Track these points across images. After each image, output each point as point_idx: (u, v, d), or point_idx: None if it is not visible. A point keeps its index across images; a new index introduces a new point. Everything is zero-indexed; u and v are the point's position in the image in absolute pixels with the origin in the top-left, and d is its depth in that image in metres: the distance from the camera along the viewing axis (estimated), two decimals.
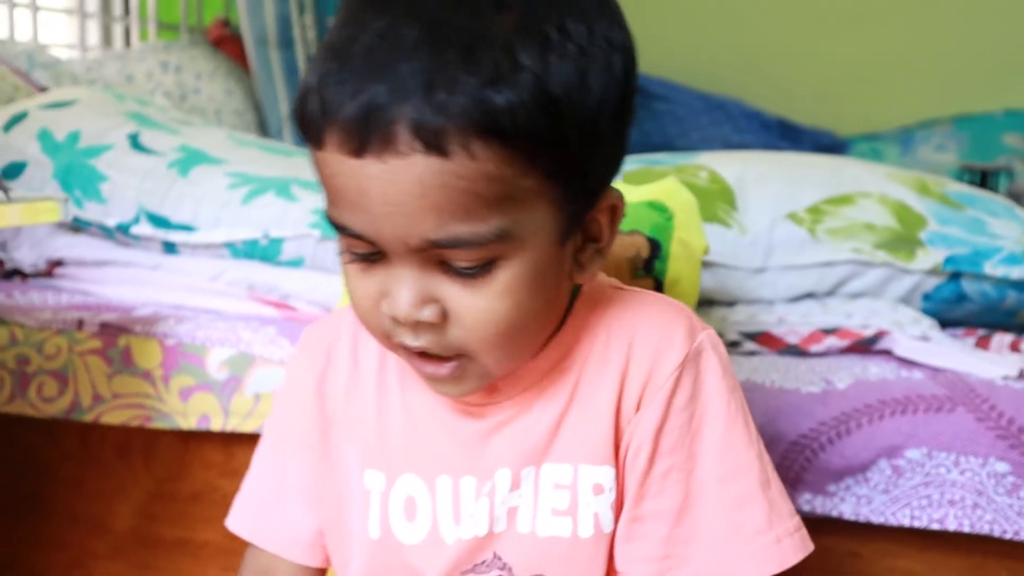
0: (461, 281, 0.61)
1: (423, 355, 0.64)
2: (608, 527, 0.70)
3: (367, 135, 0.56)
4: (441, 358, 0.64)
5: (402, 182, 0.57)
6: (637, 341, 0.69)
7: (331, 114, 0.57)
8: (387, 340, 0.66)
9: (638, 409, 0.68)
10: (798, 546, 0.69)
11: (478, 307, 0.61)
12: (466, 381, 0.66)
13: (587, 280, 0.69)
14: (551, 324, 0.69)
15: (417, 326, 0.62)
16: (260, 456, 0.81)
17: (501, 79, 0.55)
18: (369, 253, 0.62)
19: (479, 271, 0.60)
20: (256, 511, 0.79)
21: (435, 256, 0.60)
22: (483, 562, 0.71)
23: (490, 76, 0.55)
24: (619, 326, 0.70)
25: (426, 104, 0.55)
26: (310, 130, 0.60)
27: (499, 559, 0.71)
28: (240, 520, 0.80)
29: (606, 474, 0.69)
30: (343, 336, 0.77)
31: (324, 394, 0.76)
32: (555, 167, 0.59)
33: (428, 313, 0.61)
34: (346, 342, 0.76)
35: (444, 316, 0.62)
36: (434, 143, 0.55)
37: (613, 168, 0.66)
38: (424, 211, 0.57)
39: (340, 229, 0.62)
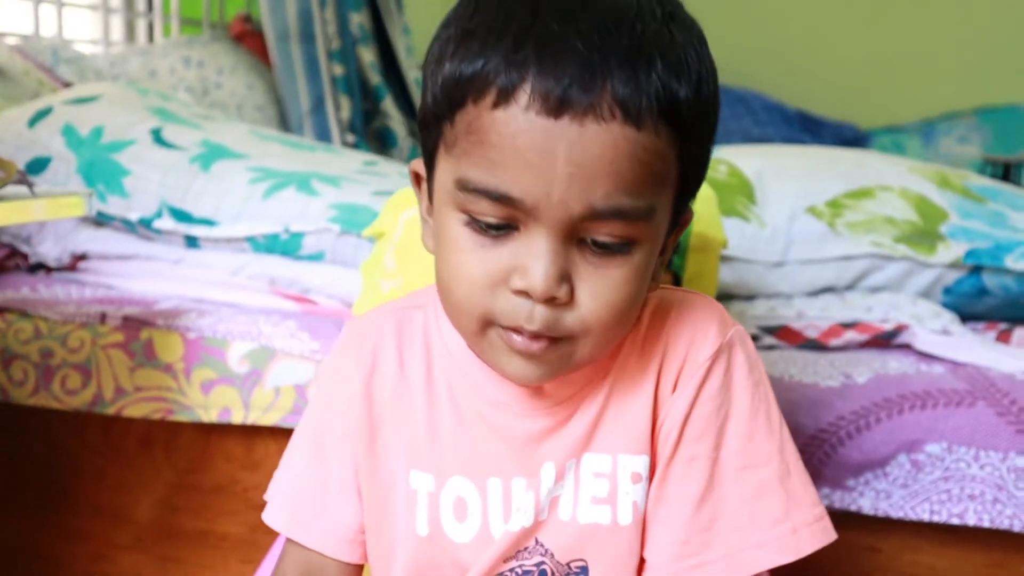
0: (596, 261, 0.62)
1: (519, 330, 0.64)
2: None
3: (573, 96, 0.58)
4: (544, 338, 0.64)
5: (595, 146, 0.58)
6: (673, 334, 0.71)
7: (527, 77, 0.58)
8: (481, 324, 0.65)
9: (673, 392, 0.70)
10: (816, 536, 0.70)
11: (607, 288, 0.62)
12: (549, 364, 0.65)
13: (654, 289, 0.70)
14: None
15: (547, 303, 0.62)
16: (298, 452, 0.80)
17: (682, 74, 0.60)
18: (500, 224, 0.62)
19: (618, 249, 0.62)
20: (296, 507, 0.79)
21: (580, 231, 0.61)
22: (525, 548, 0.72)
23: (675, 68, 0.60)
24: (655, 321, 0.71)
25: (631, 79, 0.58)
26: (491, 87, 0.60)
27: (541, 545, 0.72)
28: (279, 515, 0.79)
29: (643, 463, 0.70)
30: (388, 336, 0.77)
31: (372, 394, 0.76)
32: (688, 163, 0.64)
33: (563, 291, 0.62)
34: (392, 342, 0.76)
35: (572, 296, 0.62)
36: (633, 114, 0.58)
37: (700, 183, 0.69)
38: (605, 177, 0.59)
39: (483, 193, 0.61)
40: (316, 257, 1.36)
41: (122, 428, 1.31)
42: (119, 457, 1.33)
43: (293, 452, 0.80)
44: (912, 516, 1.09)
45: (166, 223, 1.39)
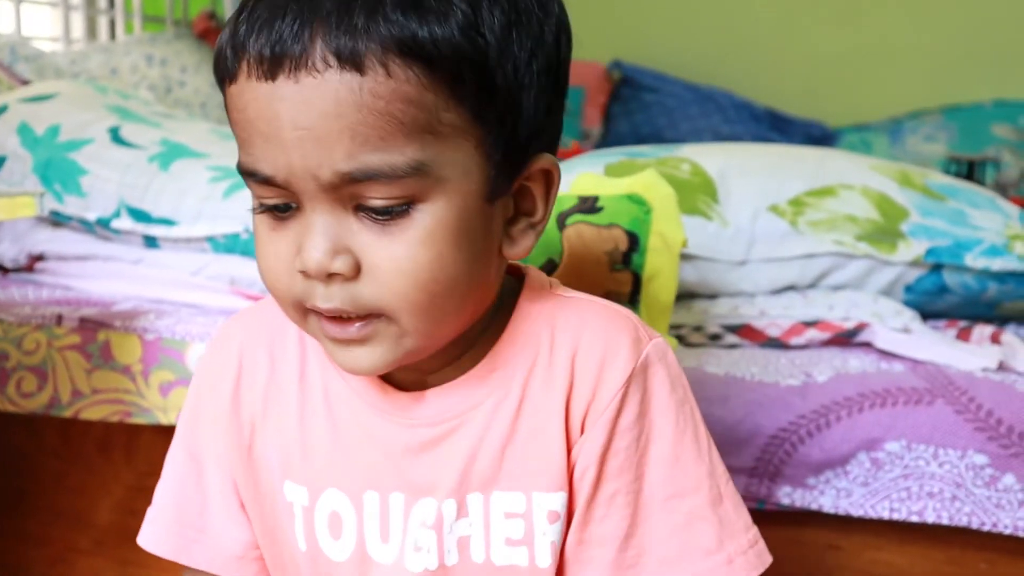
0: (377, 228, 0.57)
1: (334, 319, 0.60)
2: None
3: (280, 55, 0.55)
4: (353, 319, 0.60)
5: (315, 100, 0.54)
6: (580, 356, 0.65)
7: (246, 44, 0.56)
8: (299, 310, 0.61)
9: (582, 431, 0.65)
10: (752, 564, 0.66)
11: (394, 256, 0.57)
12: (379, 345, 0.60)
13: (518, 256, 0.65)
14: (479, 298, 0.64)
15: (329, 279, 0.58)
16: (173, 468, 0.75)
17: (428, 9, 0.55)
18: (280, 204, 0.59)
19: (396, 212, 0.57)
20: (176, 527, 0.74)
21: (349, 196, 0.57)
22: None
23: (415, 5, 0.55)
24: (562, 338, 0.66)
25: (343, 23, 0.54)
26: (225, 69, 0.58)
27: None
28: (158, 538, 0.74)
29: (560, 500, 0.65)
30: (258, 336, 0.72)
31: (240, 399, 0.71)
32: (480, 108, 0.58)
33: (340, 264, 0.57)
34: (261, 342, 0.72)
35: (358, 269, 0.58)
36: (349, 59, 0.54)
37: (545, 135, 0.64)
38: (337, 134, 0.55)
39: (249, 175, 0.59)
40: None
41: (81, 431, 1.30)
42: (78, 460, 1.31)
43: (170, 468, 0.75)
44: (872, 514, 1.10)
45: (124, 223, 1.38)
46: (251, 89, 0.56)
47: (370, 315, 0.59)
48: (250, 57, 0.56)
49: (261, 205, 0.60)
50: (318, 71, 0.54)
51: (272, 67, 0.55)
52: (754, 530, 0.67)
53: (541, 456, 0.65)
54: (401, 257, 0.58)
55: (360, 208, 0.57)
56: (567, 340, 0.66)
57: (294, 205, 0.59)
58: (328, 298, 0.59)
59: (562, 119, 0.66)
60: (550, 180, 0.64)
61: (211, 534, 0.73)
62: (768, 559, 0.67)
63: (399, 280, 0.58)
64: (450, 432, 0.66)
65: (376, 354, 0.61)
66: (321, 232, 0.57)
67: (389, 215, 0.57)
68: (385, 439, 0.67)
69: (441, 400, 0.66)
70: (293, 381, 0.70)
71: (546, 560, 0.66)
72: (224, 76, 0.59)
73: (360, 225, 0.58)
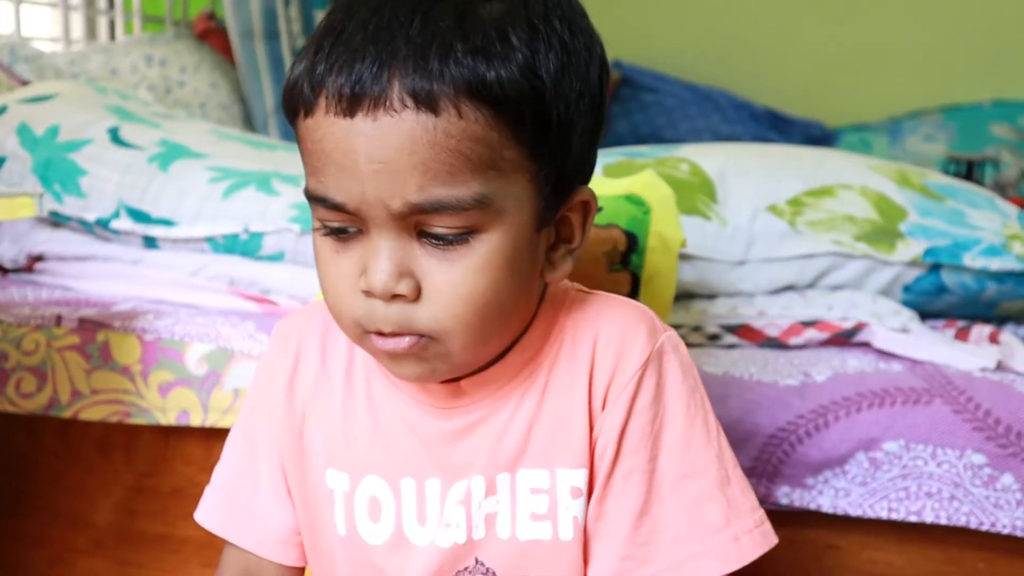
0: (439, 254, 0.62)
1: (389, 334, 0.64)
2: None
3: (360, 94, 0.58)
4: (406, 335, 0.64)
5: (392, 138, 0.58)
6: (600, 342, 0.70)
7: (324, 82, 0.59)
8: (358, 330, 0.65)
9: (603, 409, 0.69)
10: (758, 542, 0.69)
11: (454, 281, 0.62)
12: (429, 362, 0.65)
13: (557, 280, 0.70)
14: (521, 319, 0.69)
15: (392, 300, 0.62)
16: (233, 450, 0.81)
17: (494, 54, 0.59)
18: (345, 227, 0.63)
19: (457, 240, 0.61)
20: (230, 506, 0.79)
21: (414, 224, 0.61)
22: (465, 568, 0.71)
23: (483, 50, 0.59)
24: (584, 328, 0.71)
25: (420, 67, 0.58)
26: (301, 103, 0.61)
27: (481, 564, 0.71)
28: (210, 515, 0.80)
29: (582, 477, 0.69)
30: (313, 331, 0.77)
31: (295, 389, 0.76)
32: (536, 145, 0.62)
33: (404, 286, 0.62)
34: (316, 337, 0.77)
35: (418, 292, 0.62)
36: (425, 101, 0.58)
37: (586, 169, 0.69)
38: (411, 169, 0.58)
39: (319, 201, 0.63)
40: (276, 257, 1.35)
41: (80, 431, 1.30)
42: (77, 460, 1.31)
43: (228, 451, 0.81)
44: (871, 514, 1.10)
45: (124, 223, 1.38)
46: (329, 124, 0.60)
47: (423, 335, 0.64)
48: (329, 94, 0.59)
49: (325, 227, 0.64)
50: (395, 111, 0.58)
51: (351, 105, 0.59)
52: (760, 512, 0.71)
53: (565, 434, 0.69)
54: (459, 282, 0.62)
55: (423, 234, 0.62)
56: (589, 329, 0.71)
57: (359, 229, 0.63)
58: (387, 319, 0.63)
59: (596, 156, 0.70)
60: (588, 210, 0.69)
61: (259, 516, 0.78)
62: (774, 540, 0.70)
63: (456, 303, 0.62)
64: (482, 420, 0.71)
65: (426, 368, 0.66)
66: (388, 256, 0.62)
67: (450, 242, 0.61)
68: (423, 429, 0.71)
69: (475, 391, 0.71)
70: (340, 374, 0.75)
71: (568, 534, 0.70)
72: (299, 109, 0.62)
73: (422, 250, 0.62)
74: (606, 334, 0.70)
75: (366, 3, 0.61)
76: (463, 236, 0.61)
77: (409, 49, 0.58)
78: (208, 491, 0.81)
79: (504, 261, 0.63)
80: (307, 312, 0.79)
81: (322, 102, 0.60)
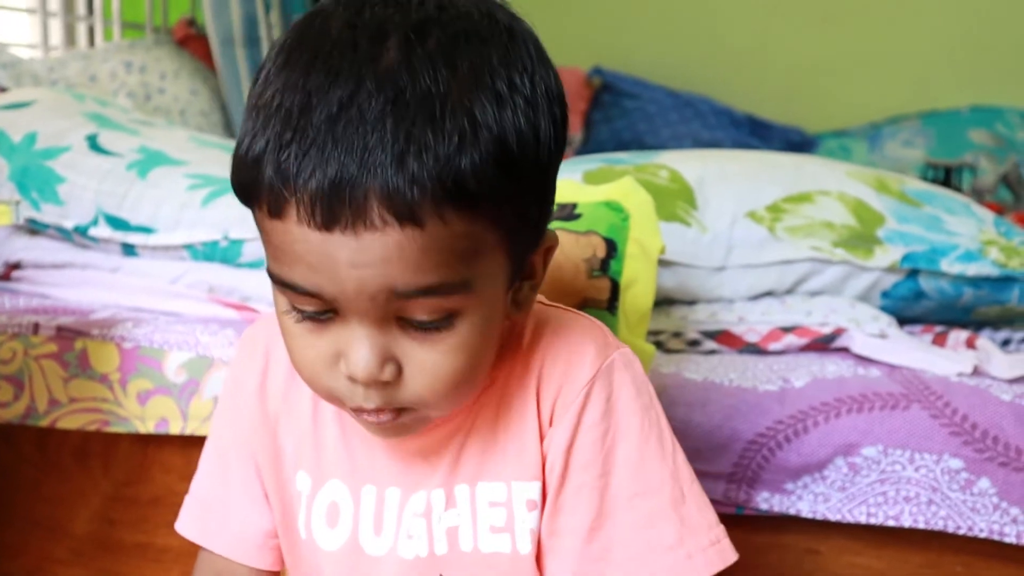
0: (420, 336, 0.61)
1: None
2: None
3: (337, 210, 0.55)
4: (386, 410, 0.64)
5: (376, 250, 0.56)
6: (548, 358, 0.70)
7: (294, 187, 0.55)
8: (337, 402, 0.65)
9: (551, 424, 0.69)
10: (712, 560, 0.69)
11: (435, 363, 0.61)
12: (408, 426, 0.66)
13: (523, 317, 0.70)
14: (491, 364, 0.69)
15: (374, 385, 0.62)
16: (206, 458, 0.81)
17: (465, 143, 0.56)
18: (320, 312, 0.61)
19: (439, 324, 0.60)
20: (204, 513, 0.80)
21: (394, 311, 0.59)
22: None
23: (456, 141, 0.55)
24: (535, 343, 0.71)
25: (397, 176, 0.54)
26: (264, 198, 0.58)
27: None
28: (189, 524, 0.81)
29: (536, 489, 0.69)
30: (280, 337, 0.76)
31: (266, 392, 0.77)
32: (511, 220, 0.61)
33: (388, 373, 0.61)
34: (284, 344, 0.76)
35: (400, 373, 0.62)
36: (408, 216, 0.55)
37: (551, 209, 0.68)
38: (398, 270, 0.57)
39: (288, 287, 0.60)
40: (256, 265, 1.34)
41: (58, 440, 1.29)
42: (55, 469, 1.30)
43: (203, 460, 0.81)
44: (850, 519, 1.10)
45: (102, 231, 1.37)
46: (302, 232, 0.56)
47: (403, 409, 0.64)
48: (300, 202, 0.55)
49: (298, 312, 0.62)
50: (377, 227, 0.55)
51: (328, 220, 0.55)
52: (718, 530, 0.70)
53: (518, 447, 0.69)
54: (440, 364, 0.62)
55: (402, 319, 0.60)
56: (539, 343, 0.70)
57: (333, 311, 0.61)
58: (369, 398, 0.62)
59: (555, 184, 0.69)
60: (550, 250, 0.69)
61: (233, 522, 0.78)
62: (732, 557, 0.70)
63: (437, 383, 0.62)
64: (444, 431, 0.71)
65: (405, 430, 0.67)
66: (370, 345, 0.60)
67: (431, 327, 0.61)
68: (389, 441, 0.71)
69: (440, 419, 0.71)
70: None
71: (526, 547, 0.70)
72: (262, 204, 0.58)
73: (402, 333, 0.61)
74: (555, 349, 0.70)
75: (325, 92, 0.55)
76: (444, 320, 0.60)
77: (383, 156, 0.54)
78: (187, 500, 0.82)
79: (480, 336, 0.62)
80: (272, 318, 0.77)
81: (292, 211, 0.56)
